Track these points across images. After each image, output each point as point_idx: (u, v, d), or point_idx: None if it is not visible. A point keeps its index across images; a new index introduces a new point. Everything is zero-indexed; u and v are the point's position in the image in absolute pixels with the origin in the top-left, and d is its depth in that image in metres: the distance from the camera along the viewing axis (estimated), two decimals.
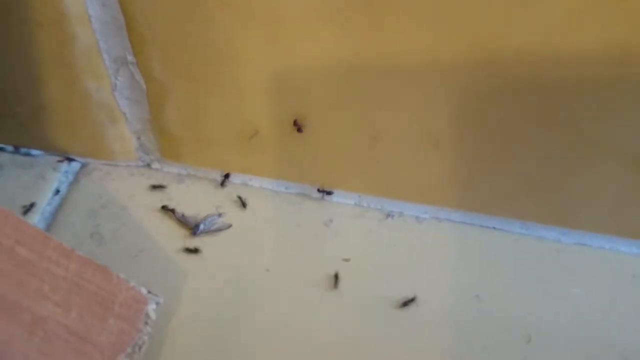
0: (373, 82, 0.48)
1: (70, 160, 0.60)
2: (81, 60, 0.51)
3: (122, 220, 0.56)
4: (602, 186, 0.50)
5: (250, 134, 0.54)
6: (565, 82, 0.44)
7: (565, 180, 0.50)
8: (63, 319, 0.40)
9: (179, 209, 0.56)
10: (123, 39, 0.50)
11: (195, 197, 0.58)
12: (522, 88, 0.45)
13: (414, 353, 0.49)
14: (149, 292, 0.45)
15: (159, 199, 0.58)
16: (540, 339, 0.49)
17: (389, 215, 0.57)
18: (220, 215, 0.56)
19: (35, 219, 0.56)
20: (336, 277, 0.52)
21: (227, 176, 0.58)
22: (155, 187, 0.58)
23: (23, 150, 0.61)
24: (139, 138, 0.58)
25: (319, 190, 0.56)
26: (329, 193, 0.56)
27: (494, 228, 0.56)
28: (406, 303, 0.50)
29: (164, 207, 0.57)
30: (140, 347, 0.43)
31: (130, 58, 0.51)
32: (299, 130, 0.52)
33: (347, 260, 0.54)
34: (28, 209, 0.56)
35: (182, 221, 0.56)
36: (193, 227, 0.55)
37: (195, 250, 0.54)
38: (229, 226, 0.55)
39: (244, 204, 0.57)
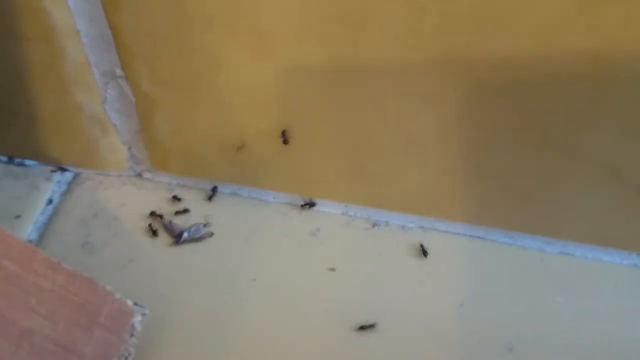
0: (356, 92, 0.49)
1: (63, 170, 0.61)
2: (71, 74, 0.52)
3: (112, 229, 0.57)
4: (582, 196, 0.50)
5: (237, 145, 0.55)
6: (541, 93, 0.45)
7: (546, 190, 0.51)
8: (49, 331, 0.40)
9: (167, 217, 0.57)
10: (111, 54, 0.51)
11: (185, 206, 0.59)
12: (500, 98, 0.46)
13: None
14: (135, 303, 0.46)
15: (150, 208, 0.59)
16: (523, 348, 0.50)
17: (375, 224, 0.58)
18: (206, 224, 0.57)
19: (29, 229, 0.57)
20: None
21: (214, 189, 0.59)
22: (175, 199, 0.60)
23: (17, 160, 0.62)
24: (129, 149, 0.59)
25: (302, 205, 0.57)
26: (312, 205, 0.57)
27: (479, 237, 0.56)
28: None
29: (152, 214, 0.58)
30: (126, 358, 0.44)
31: (119, 72, 0.52)
32: (285, 142, 0.53)
33: (332, 269, 0.54)
34: (21, 218, 0.57)
35: (169, 228, 0.57)
36: (176, 236, 0.56)
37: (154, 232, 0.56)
38: (212, 234, 0.56)
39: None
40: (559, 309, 0.52)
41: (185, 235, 0.56)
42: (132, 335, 0.44)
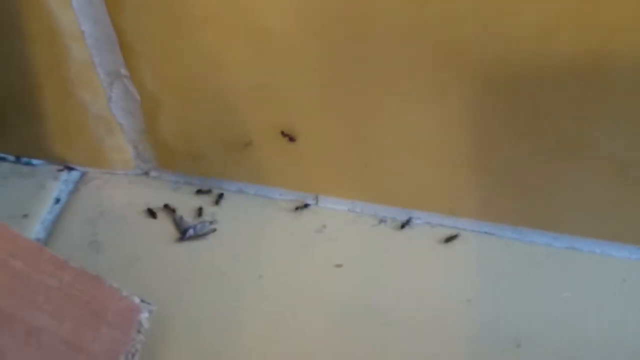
0: (358, 90, 0.48)
1: (70, 169, 0.62)
2: (76, 74, 0.53)
3: (119, 228, 0.58)
4: (589, 191, 0.50)
5: (242, 143, 0.55)
6: (545, 88, 0.44)
7: (552, 185, 0.51)
8: (57, 329, 0.41)
9: (179, 212, 0.58)
10: (116, 54, 0.51)
11: (193, 204, 0.59)
12: (504, 93, 0.46)
13: (405, 358, 0.49)
14: (142, 300, 0.46)
15: (157, 206, 0.59)
16: (530, 343, 0.50)
17: (381, 220, 0.58)
18: (212, 222, 0.57)
19: (36, 227, 0.57)
20: None
21: (221, 196, 0.59)
22: (200, 192, 0.60)
23: (24, 159, 0.62)
24: (135, 147, 0.59)
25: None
26: (307, 205, 0.58)
27: (486, 233, 0.56)
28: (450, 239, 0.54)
29: (166, 206, 0.58)
30: (133, 355, 0.44)
31: (123, 72, 0.52)
32: (291, 139, 0.53)
33: (339, 266, 0.54)
34: (28, 217, 0.58)
35: (178, 224, 0.57)
36: (182, 232, 0.56)
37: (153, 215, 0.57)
38: (214, 230, 0.57)
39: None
40: (566, 305, 0.52)
41: (191, 232, 0.56)
42: (139, 332, 0.45)
